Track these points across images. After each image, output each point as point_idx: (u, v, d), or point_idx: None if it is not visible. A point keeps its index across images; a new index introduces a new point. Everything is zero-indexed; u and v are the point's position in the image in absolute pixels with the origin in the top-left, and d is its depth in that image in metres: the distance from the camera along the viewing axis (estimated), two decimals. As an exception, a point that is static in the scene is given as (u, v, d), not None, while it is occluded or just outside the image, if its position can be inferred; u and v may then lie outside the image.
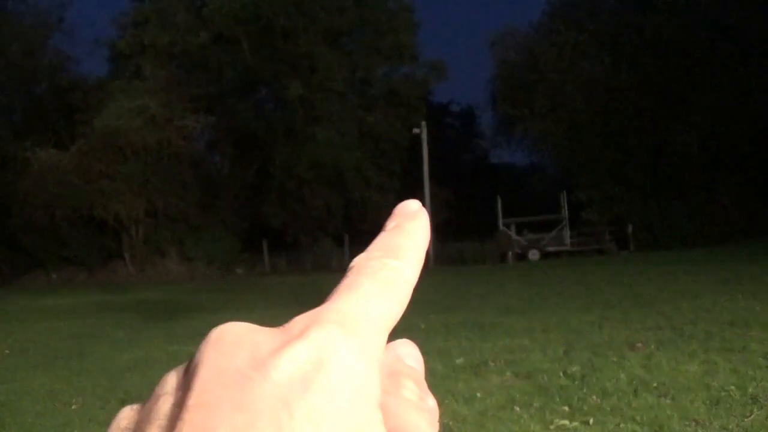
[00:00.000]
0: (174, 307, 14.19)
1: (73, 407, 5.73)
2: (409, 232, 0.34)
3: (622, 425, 4.01)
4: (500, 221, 27.27)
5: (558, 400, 4.60)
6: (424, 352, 0.31)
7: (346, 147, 29.52)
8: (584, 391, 4.80)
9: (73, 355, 8.45)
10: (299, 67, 29.47)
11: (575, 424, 4.09)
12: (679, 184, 25.99)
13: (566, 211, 26.92)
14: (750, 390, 4.51)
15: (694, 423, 4.00)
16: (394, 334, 0.30)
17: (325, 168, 29.35)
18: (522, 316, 8.74)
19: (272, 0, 29.10)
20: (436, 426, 0.29)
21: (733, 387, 4.61)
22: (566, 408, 4.41)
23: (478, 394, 4.89)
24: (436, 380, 5.25)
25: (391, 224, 0.35)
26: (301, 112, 29.16)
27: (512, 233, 26.95)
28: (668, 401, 4.44)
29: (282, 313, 11.53)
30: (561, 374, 5.31)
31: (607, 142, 27.14)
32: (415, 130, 26.86)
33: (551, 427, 4.07)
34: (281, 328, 0.27)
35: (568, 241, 26.68)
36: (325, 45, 30.25)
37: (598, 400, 4.53)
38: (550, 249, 26.12)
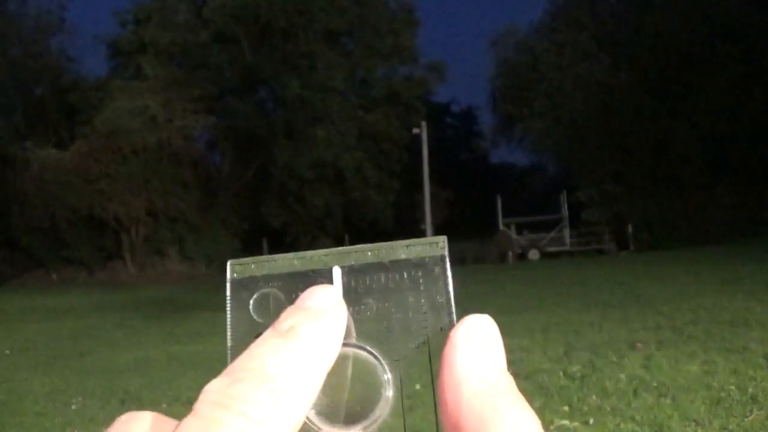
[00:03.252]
0: (174, 307, 14.19)
1: (73, 407, 5.73)
2: (304, 347, 0.27)
3: (622, 425, 4.01)
4: (500, 221, 27.28)
5: (558, 400, 4.60)
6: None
7: (346, 147, 29.52)
8: (584, 391, 4.80)
9: (73, 355, 8.45)
10: (299, 67, 29.47)
11: (575, 424, 4.09)
12: (679, 184, 25.99)
13: (566, 211, 26.93)
14: (750, 390, 4.51)
15: (694, 423, 4.00)
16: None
17: (325, 168, 29.35)
18: (522, 316, 8.74)
19: (272, 0, 29.11)
20: None
21: (733, 387, 4.61)
22: (566, 408, 4.41)
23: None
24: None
25: (284, 323, 0.28)
26: (301, 112, 29.16)
27: (512, 233, 26.95)
28: (668, 401, 4.44)
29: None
30: (561, 374, 5.31)
31: (607, 142, 27.14)
32: (415, 130, 26.81)
33: (551, 427, 4.07)
34: None
35: (568, 241, 26.69)
36: (325, 45, 30.26)
37: (598, 400, 4.53)
38: (550, 249, 26.13)
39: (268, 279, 0.32)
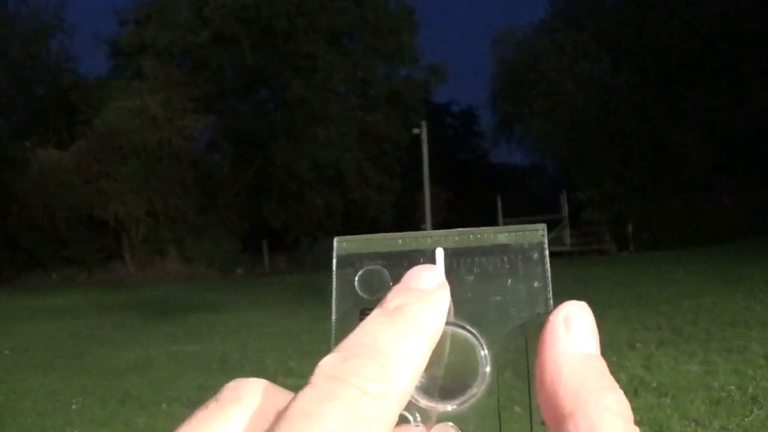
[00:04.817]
0: (174, 307, 14.19)
1: (73, 407, 5.73)
2: (412, 326, 0.28)
3: (622, 425, 4.00)
4: (500, 221, 27.27)
5: (558, 400, 4.58)
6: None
7: (346, 147, 29.52)
8: (584, 391, 4.79)
9: (73, 355, 8.45)
10: (299, 68, 29.47)
11: (575, 424, 4.08)
12: (679, 184, 25.97)
13: (566, 211, 26.92)
14: (750, 390, 4.51)
15: (694, 423, 4.01)
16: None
17: (325, 168, 29.35)
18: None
19: (273, 0, 29.11)
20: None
21: (733, 387, 4.61)
22: (566, 408, 4.40)
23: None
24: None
25: (391, 302, 0.29)
26: (301, 112, 29.15)
27: (512, 233, 26.91)
28: (668, 401, 4.44)
29: (282, 313, 11.52)
30: (561, 374, 5.30)
31: (607, 142, 27.12)
32: (415, 131, 26.83)
33: (551, 427, 4.06)
34: None
35: (568, 241, 26.68)
36: (326, 45, 30.25)
37: (598, 400, 4.52)
38: (550, 249, 26.01)
39: (372, 257, 0.33)
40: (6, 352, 9.07)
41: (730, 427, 3.90)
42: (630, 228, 25.67)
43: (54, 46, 31.72)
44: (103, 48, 32.56)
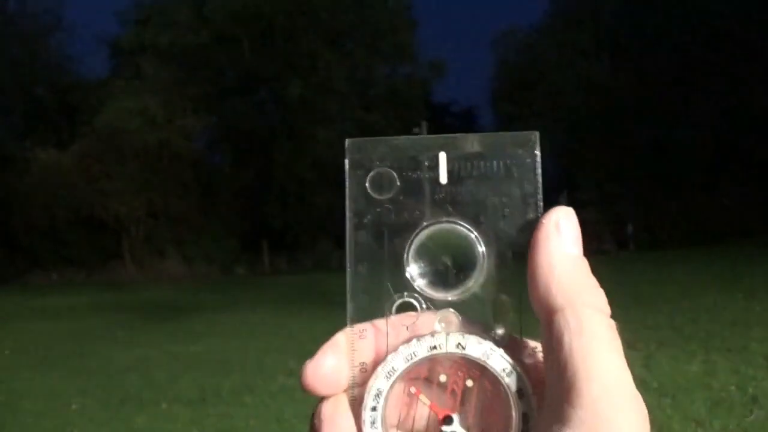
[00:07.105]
0: (174, 307, 14.18)
1: (73, 407, 5.73)
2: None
3: (622, 425, 3.99)
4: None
5: (558, 400, 4.58)
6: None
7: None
8: (584, 391, 4.78)
9: (73, 355, 8.45)
10: (299, 67, 29.46)
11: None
12: (679, 184, 25.96)
13: (566, 211, 26.92)
14: (750, 390, 4.51)
15: (694, 423, 4.00)
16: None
17: (325, 168, 29.32)
18: (522, 316, 8.70)
19: (273, 0, 29.11)
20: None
21: (733, 387, 4.61)
22: (566, 408, 4.39)
23: (478, 394, 4.86)
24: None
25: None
26: (301, 112, 29.14)
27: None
28: (668, 401, 4.44)
29: (282, 313, 11.53)
30: (561, 374, 5.29)
31: (607, 142, 27.13)
32: (415, 130, 26.82)
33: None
34: None
35: (568, 241, 26.68)
36: (326, 45, 30.25)
37: (598, 400, 4.52)
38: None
39: (382, 157, 0.38)
40: (6, 352, 9.06)
41: (730, 427, 3.90)
42: (630, 228, 25.66)
43: (54, 46, 31.73)
44: (103, 48, 32.54)
